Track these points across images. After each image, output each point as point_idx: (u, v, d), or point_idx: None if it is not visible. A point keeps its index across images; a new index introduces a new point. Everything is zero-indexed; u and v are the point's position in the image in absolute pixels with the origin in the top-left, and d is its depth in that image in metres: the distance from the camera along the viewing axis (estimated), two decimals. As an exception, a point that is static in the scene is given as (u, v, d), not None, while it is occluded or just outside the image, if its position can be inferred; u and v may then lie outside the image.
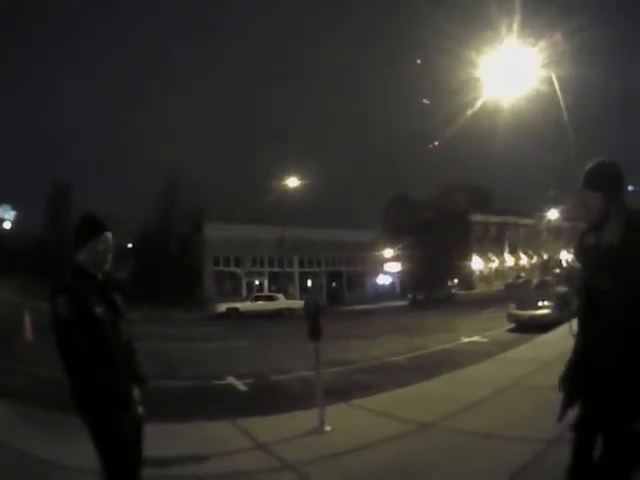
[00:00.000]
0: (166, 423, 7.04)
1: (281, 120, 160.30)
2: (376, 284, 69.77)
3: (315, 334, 7.74)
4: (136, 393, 3.79)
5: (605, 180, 3.44)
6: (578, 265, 3.85)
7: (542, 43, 16.13)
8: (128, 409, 3.67)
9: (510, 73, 17.05)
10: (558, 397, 3.56)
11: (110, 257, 3.92)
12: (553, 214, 72.46)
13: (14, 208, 76.97)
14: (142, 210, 57.82)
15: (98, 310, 3.61)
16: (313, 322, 7.79)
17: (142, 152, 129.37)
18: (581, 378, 3.41)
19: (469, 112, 19.79)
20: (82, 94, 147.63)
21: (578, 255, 3.72)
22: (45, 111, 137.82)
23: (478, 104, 18.90)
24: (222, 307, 40.20)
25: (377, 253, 68.24)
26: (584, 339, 3.50)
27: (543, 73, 16.81)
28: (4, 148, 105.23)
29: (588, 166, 3.56)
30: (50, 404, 8.07)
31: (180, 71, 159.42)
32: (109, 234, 3.90)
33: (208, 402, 10.19)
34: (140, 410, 3.82)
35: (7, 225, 75.06)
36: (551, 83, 16.85)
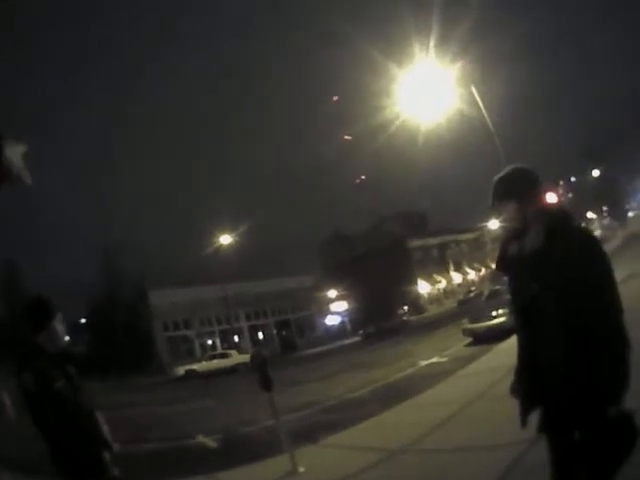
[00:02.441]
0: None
1: (201, 181, 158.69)
2: (326, 325, 69.77)
3: (266, 384, 7.93)
4: (106, 456, 4.03)
5: (513, 187, 3.46)
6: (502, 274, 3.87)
7: (459, 61, 16.71)
8: (103, 472, 3.95)
9: (430, 90, 17.47)
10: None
11: (64, 336, 4.15)
12: (494, 224, 73.59)
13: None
14: (87, 282, 57.13)
15: (59, 384, 3.83)
16: (262, 373, 7.99)
17: (75, 221, 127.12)
18: (532, 383, 3.43)
19: (389, 131, 20.11)
20: None
21: (501, 265, 3.73)
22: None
23: (397, 123, 19.25)
24: (181, 370, 40.16)
25: (321, 295, 68.39)
26: (524, 345, 3.53)
27: (463, 89, 17.33)
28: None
29: (494, 178, 3.57)
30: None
31: (104, 134, 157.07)
32: (60, 314, 4.13)
33: (181, 461, 10.26)
34: (115, 471, 4.07)
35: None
36: (473, 98, 17.36)
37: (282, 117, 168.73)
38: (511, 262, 3.57)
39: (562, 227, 3.33)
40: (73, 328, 67.00)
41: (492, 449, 6.10)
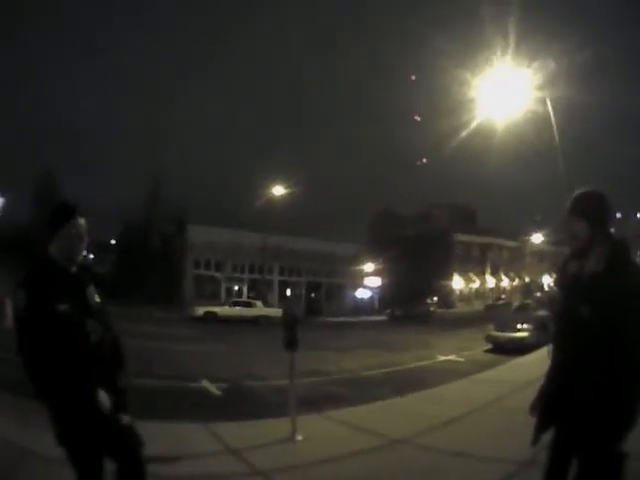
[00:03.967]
0: (137, 421, 6.99)
1: (271, 127, 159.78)
2: (355, 297, 69.80)
3: (291, 344, 7.80)
4: (103, 399, 3.39)
5: (591, 208, 3.44)
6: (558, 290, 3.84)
7: (536, 65, 16.28)
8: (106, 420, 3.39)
9: (504, 94, 17.13)
10: (530, 420, 3.59)
11: (82, 246, 3.60)
12: (537, 238, 72.83)
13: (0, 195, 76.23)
14: (127, 207, 57.46)
15: (62, 307, 3.31)
16: (290, 332, 7.85)
17: (129, 150, 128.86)
18: (555, 403, 3.44)
19: (463, 133, 19.90)
20: (71, 89, 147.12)
21: (560, 281, 3.75)
22: (33, 101, 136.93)
23: (472, 125, 18.98)
24: (200, 310, 39.98)
25: (358, 267, 68.25)
26: (559, 366, 3.51)
27: (537, 95, 16.93)
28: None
29: (575, 194, 3.56)
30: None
31: (168, 72, 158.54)
32: (81, 220, 3.58)
33: (181, 403, 10.14)
34: (126, 419, 3.61)
35: (-6, 211, 74.17)
36: (544, 105, 16.96)
37: (361, 96, 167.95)
38: (568, 280, 3.57)
39: (624, 257, 3.34)
40: (102, 247, 68.14)
41: (488, 461, 6.04)
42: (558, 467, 3.47)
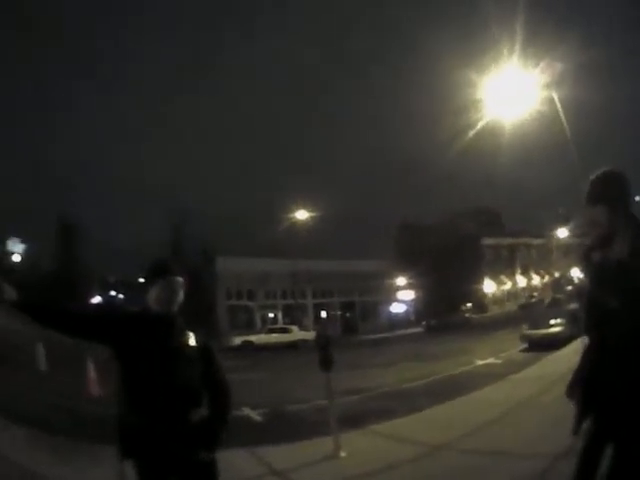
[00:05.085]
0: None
1: (286, 152, 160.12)
2: (390, 312, 69.58)
3: (326, 364, 7.92)
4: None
5: (609, 191, 3.30)
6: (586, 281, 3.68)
7: (543, 64, 16.27)
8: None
9: (512, 94, 17.14)
10: (567, 413, 3.57)
11: (175, 298, 3.85)
12: (562, 232, 72.15)
13: (23, 241, 77.39)
14: (152, 245, 57.99)
15: (138, 341, 3.54)
16: (324, 353, 7.98)
17: (149, 184, 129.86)
18: (592, 392, 3.34)
19: (471, 133, 19.92)
20: (87, 127, 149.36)
21: (586, 272, 3.60)
22: (51, 143, 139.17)
23: (480, 125, 19.00)
24: (237, 340, 40.26)
25: (390, 281, 68.12)
26: (590, 354, 3.43)
27: (544, 93, 16.93)
28: (8, 182, 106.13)
29: (591, 177, 3.42)
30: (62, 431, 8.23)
31: (187, 102, 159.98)
32: (174, 278, 3.87)
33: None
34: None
35: (17, 258, 75.27)
36: (553, 103, 16.95)
37: (372, 106, 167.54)
38: (593, 268, 3.42)
39: None
40: (131, 287, 68.75)
41: (527, 457, 6.08)
42: (591, 457, 3.40)
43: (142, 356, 3.50)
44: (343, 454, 7.28)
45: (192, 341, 3.83)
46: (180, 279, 3.89)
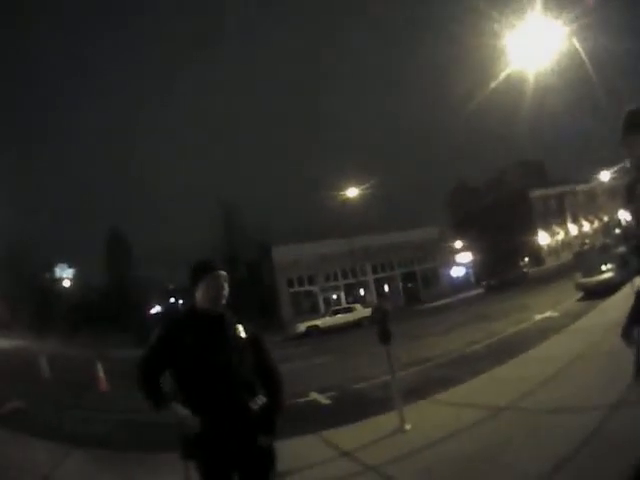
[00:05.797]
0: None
1: (326, 132, 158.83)
2: (451, 277, 69.20)
3: (385, 337, 8.02)
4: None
5: None
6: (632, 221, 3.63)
7: (566, 14, 15.93)
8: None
9: (536, 44, 16.82)
10: (623, 361, 3.49)
11: (221, 293, 3.95)
12: (605, 175, 70.49)
13: (70, 266, 78.93)
14: (205, 242, 58.57)
15: (191, 342, 3.68)
16: (382, 326, 8.08)
17: (195, 180, 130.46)
18: None
19: (493, 84, 19.64)
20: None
21: (630, 207, 3.55)
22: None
23: (503, 75, 18.70)
24: (302, 327, 40.16)
25: (447, 246, 67.75)
26: None
27: (568, 43, 16.57)
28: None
29: (628, 109, 3.37)
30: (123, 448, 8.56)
31: (226, 87, 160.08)
32: (219, 272, 3.98)
33: (293, 420, 10.38)
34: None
35: (67, 283, 76.81)
36: (576, 51, 16.60)
37: (400, 71, 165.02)
38: (637, 203, 3.38)
39: None
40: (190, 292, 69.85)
41: (586, 410, 6.06)
42: None
43: (198, 355, 3.67)
44: (408, 427, 7.38)
45: (242, 333, 3.95)
46: (224, 273, 4.00)
